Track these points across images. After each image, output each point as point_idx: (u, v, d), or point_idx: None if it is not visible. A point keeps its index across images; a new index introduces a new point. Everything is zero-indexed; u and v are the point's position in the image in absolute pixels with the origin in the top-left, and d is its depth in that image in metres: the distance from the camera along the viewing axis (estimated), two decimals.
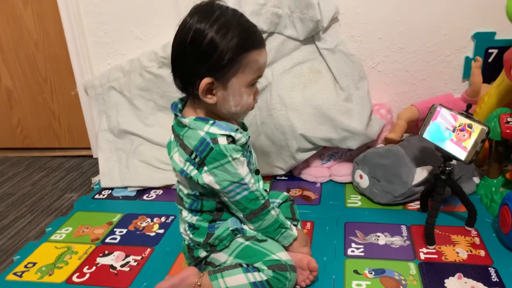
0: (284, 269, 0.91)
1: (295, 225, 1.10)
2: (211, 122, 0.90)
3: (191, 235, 0.98)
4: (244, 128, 1.03)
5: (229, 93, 0.88)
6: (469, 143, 1.02)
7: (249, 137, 0.97)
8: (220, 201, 0.95)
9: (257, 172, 1.03)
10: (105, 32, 1.62)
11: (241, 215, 0.95)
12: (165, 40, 1.52)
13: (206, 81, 0.85)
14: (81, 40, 1.62)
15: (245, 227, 0.96)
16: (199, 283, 0.93)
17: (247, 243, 0.96)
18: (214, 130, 0.89)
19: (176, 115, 0.93)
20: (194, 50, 0.85)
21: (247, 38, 0.86)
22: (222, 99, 0.89)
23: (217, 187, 0.90)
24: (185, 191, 0.97)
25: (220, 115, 0.93)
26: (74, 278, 1.05)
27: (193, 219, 0.98)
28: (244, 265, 0.93)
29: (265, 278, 0.90)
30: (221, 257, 0.97)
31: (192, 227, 0.98)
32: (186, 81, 0.89)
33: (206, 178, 0.90)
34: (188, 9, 0.88)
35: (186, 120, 0.90)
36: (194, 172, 0.90)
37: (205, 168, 0.89)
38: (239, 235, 0.96)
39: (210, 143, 0.87)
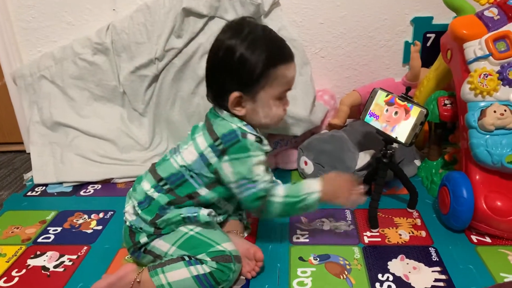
0: (229, 260, 0.89)
1: (240, 215, 1.08)
2: (244, 123, 0.94)
3: (139, 211, 0.94)
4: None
5: (258, 105, 0.92)
6: (408, 126, 1.03)
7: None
8: (193, 193, 0.94)
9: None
10: (33, 17, 1.50)
11: (254, 213, 0.98)
12: (99, 25, 1.45)
13: (235, 95, 0.90)
14: (7, 26, 1.50)
15: (201, 212, 0.94)
16: (138, 280, 0.88)
17: (191, 233, 0.93)
18: (246, 129, 0.93)
19: (214, 107, 0.97)
20: (225, 65, 0.90)
21: (275, 53, 0.90)
22: (251, 111, 0.93)
23: (232, 178, 0.91)
24: (181, 163, 0.95)
25: (250, 125, 0.95)
26: (1, 283, 0.97)
27: (154, 194, 0.95)
28: (186, 258, 0.89)
29: (208, 270, 0.87)
30: (163, 246, 0.94)
31: (146, 201, 0.95)
32: (217, 95, 0.94)
33: (225, 167, 0.91)
34: None
35: (224, 113, 0.94)
36: (214, 160, 0.92)
37: (226, 157, 0.91)
38: (188, 224, 0.94)
39: (239, 135, 0.90)
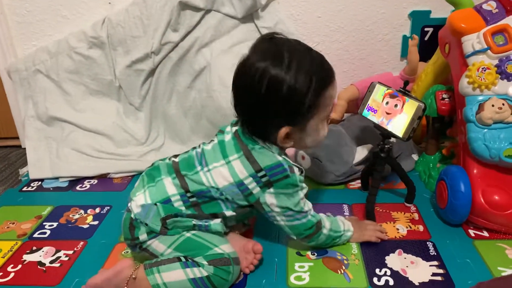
0: (227, 263, 0.87)
1: None
2: (283, 151, 0.91)
3: (158, 203, 0.90)
4: None
5: (307, 134, 0.88)
6: (406, 120, 1.02)
7: None
8: (218, 213, 0.92)
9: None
10: (27, 10, 1.48)
11: (294, 237, 0.96)
12: (94, 18, 1.44)
13: (284, 131, 0.84)
14: (1, 20, 1.48)
15: (212, 222, 0.92)
16: (134, 276, 0.87)
17: (188, 234, 0.91)
18: (290, 160, 0.90)
19: (247, 130, 0.88)
20: (271, 100, 0.81)
21: (322, 76, 0.83)
22: (298, 140, 0.89)
23: (277, 210, 0.90)
24: (211, 183, 0.89)
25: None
26: None
27: (178, 203, 0.90)
28: (183, 259, 0.87)
29: (205, 274, 0.85)
30: (158, 247, 0.91)
31: (165, 203, 0.90)
32: (261, 130, 0.87)
33: (269, 199, 0.89)
34: None
35: (261, 140, 0.88)
36: (256, 190, 0.88)
37: (271, 190, 0.88)
38: (197, 230, 0.92)
39: (287, 170, 0.87)
